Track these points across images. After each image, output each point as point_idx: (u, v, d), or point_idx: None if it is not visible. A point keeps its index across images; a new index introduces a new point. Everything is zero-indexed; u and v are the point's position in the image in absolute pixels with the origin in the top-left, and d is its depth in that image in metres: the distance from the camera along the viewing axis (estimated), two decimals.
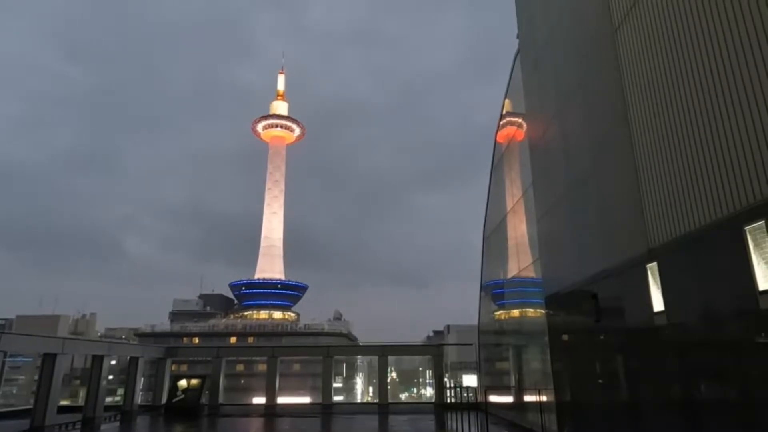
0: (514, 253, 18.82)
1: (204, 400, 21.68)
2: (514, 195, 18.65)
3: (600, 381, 10.62)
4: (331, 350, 23.71)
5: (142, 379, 23.30)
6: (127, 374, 20.77)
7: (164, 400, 21.51)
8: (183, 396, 20.59)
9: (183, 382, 20.94)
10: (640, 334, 8.84)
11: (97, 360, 18.03)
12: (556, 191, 12.96)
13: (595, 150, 10.68)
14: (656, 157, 8.09)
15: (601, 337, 10.36)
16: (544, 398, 14.56)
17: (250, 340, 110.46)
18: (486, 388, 22.58)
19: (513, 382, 19.55)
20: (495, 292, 22.12)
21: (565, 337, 12.59)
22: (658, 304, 8.04)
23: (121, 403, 20.70)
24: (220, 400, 22.59)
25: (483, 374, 24.34)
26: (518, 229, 18.07)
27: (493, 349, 22.97)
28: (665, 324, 7.82)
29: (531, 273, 16.93)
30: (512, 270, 18.94)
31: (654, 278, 8.17)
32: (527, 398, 16.83)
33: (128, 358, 20.86)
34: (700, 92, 7.01)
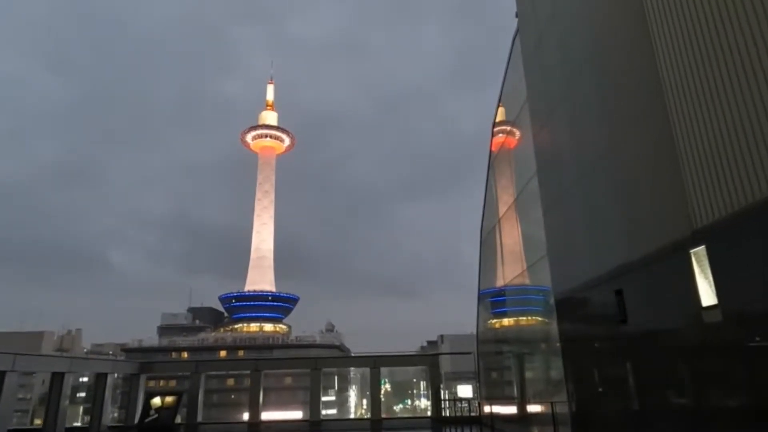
0: (509, 260, 17.67)
1: (180, 418, 19.92)
2: (506, 202, 17.75)
3: (627, 391, 9.09)
4: (319, 362, 22.04)
5: (121, 396, 21.54)
6: (93, 392, 18.98)
7: (137, 419, 19.70)
8: (156, 415, 18.82)
9: (157, 400, 19.17)
10: (683, 334, 7.35)
11: (57, 377, 16.28)
12: (565, 179, 11.52)
13: (615, 125, 9.25)
14: (702, 118, 6.65)
15: (629, 340, 8.85)
16: (550, 410, 13.10)
17: (241, 353, 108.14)
18: (486, 399, 21.01)
19: (516, 393, 18.03)
20: (493, 299, 20.68)
21: (581, 342, 11.07)
22: (707, 297, 6.57)
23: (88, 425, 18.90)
24: (199, 418, 20.81)
25: (482, 385, 22.76)
26: (512, 235, 17.18)
27: (493, 358, 21.42)
28: (719, 321, 6.34)
29: (526, 279, 15.70)
30: (508, 276, 17.66)
31: (701, 266, 6.70)
32: (533, 410, 15.30)
33: (95, 374, 19.10)
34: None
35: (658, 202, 7.77)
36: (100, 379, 18.94)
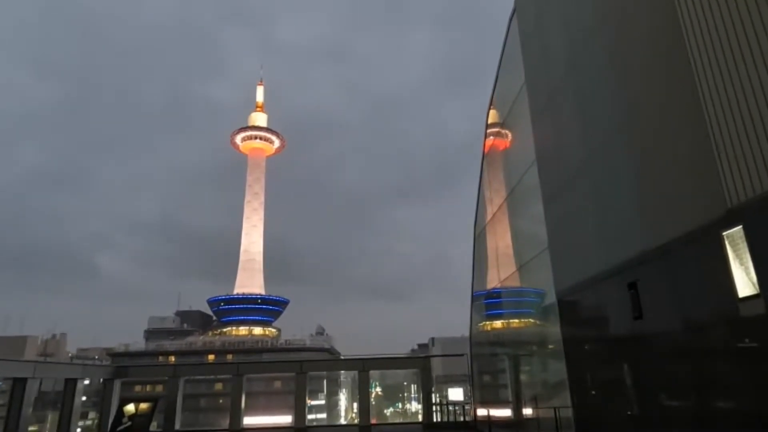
0: (503, 260, 16.85)
1: (157, 425, 18.72)
2: (498, 202, 17.03)
3: (640, 396, 8.13)
4: (304, 365, 20.88)
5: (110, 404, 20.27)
6: (62, 399, 17.73)
7: (109, 428, 18.47)
8: (130, 423, 17.59)
9: (130, 407, 17.94)
10: (712, 330, 6.40)
11: (19, 383, 15.06)
12: (570, 165, 10.56)
13: (632, 96, 8.30)
14: (733, 76, 5.71)
15: (644, 339, 7.88)
16: (551, 414, 12.16)
17: (229, 357, 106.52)
18: (481, 403, 20.04)
19: (513, 397, 17.07)
20: (488, 301, 19.75)
21: (587, 342, 10.11)
22: (745, 286, 5.62)
23: None
24: (177, 425, 19.62)
25: (476, 388, 21.78)
26: (505, 235, 16.46)
27: (488, 360, 20.44)
28: (760, 314, 5.39)
29: (520, 279, 14.87)
30: (503, 276, 16.79)
31: (736, 250, 5.74)
32: (533, 414, 14.33)
33: (64, 380, 17.84)
34: None
35: (684, 178, 6.81)
36: (69, 385, 17.70)
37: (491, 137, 18.11)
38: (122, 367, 21.00)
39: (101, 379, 20.81)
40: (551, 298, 11.79)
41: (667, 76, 7.09)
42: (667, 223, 7.06)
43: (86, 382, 20.21)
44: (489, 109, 17.96)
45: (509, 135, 15.99)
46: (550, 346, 13.14)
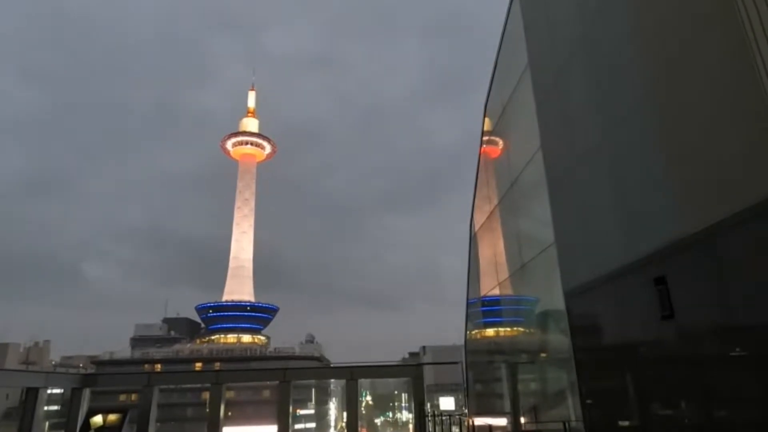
0: (499, 265, 15.93)
1: None
2: (491, 206, 16.27)
3: (673, 408, 6.97)
4: (288, 374, 19.58)
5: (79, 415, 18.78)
6: (23, 410, 16.31)
7: None
8: None
9: (98, 419, 16.57)
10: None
11: None
12: (582, 144, 9.45)
13: (660, 60, 7.21)
14: None
15: (676, 341, 6.74)
16: (554, 428, 11.04)
17: (217, 365, 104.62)
18: (477, 414, 18.84)
19: (510, 408, 15.90)
20: (485, 309, 18.63)
21: (602, 345, 8.94)
22: None
23: None
24: None
25: (471, 398, 20.59)
26: (499, 240, 15.77)
27: (485, 368, 19.25)
28: None
29: (515, 284, 14.03)
30: (498, 281, 15.78)
31: None
32: (536, 428, 13.17)
33: (24, 390, 16.46)
34: None
35: (731, 150, 5.68)
36: (30, 394, 16.29)
37: (487, 136, 17.04)
38: (91, 375, 19.66)
39: (71, 388, 19.40)
40: (555, 300, 10.66)
41: (711, 27, 5.98)
42: (709, 204, 5.93)
43: (58, 390, 18.80)
44: (486, 101, 16.91)
45: (508, 127, 14.91)
46: (555, 353, 12.02)
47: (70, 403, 18.92)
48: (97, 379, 20.04)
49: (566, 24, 10.30)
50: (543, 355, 12.89)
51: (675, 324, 6.56)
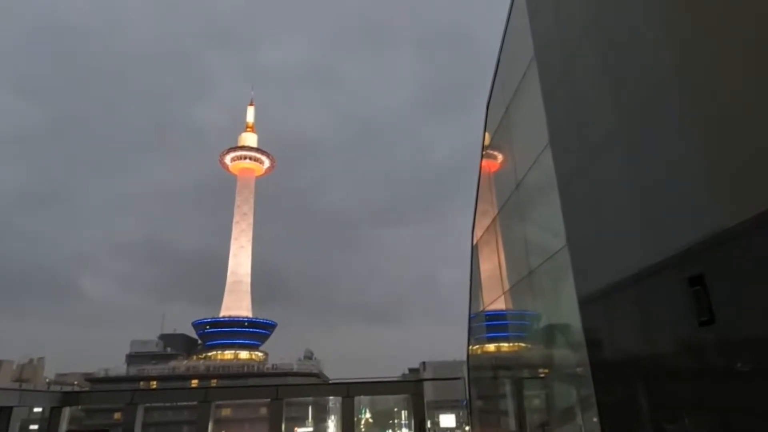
0: (504, 275, 15.19)
1: None
2: (492, 214, 15.69)
3: (713, 427, 6.01)
4: (281, 391, 18.49)
5: None
6: None
7: None
8: None
9: None
10: None
11: None
12: (596, 135, 8.60)
13: (682, 38, 6.38)
14: None
15: (717, 350, 5.80)
16: None
17: (214, 382, 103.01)
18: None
19: (514, 425, 14.92)
20: (489, 323, 17.70)
21: (625, 357, 7.97)
22: None
23: None
24: None
25: (474, 415, 19.53)
26: (500, 253, 15.28)
27: (489, 384, 18.21)
28: None
29: (521, 295, 13.28)
30: (503, 290, 14.94)
31: None
32: None
33: None
34: None
35: None
36: (2, 414, 15.21)
37: (489, 138, 16.23)
38: (72, 393, 18.55)
39: (50, 407, 18.29)
40: (568, 309, 9.75)
41: None
42: (760, 189, 5.05)
43: (37, 409, 17.70)
44: (488, 102, 16.13)
45: (512, 126, 14.09)
46: (567, 367, 11.05)
47: (48, 422, 17.83)
48: (79, 397, 18.95)
49: (576, 6, 9.51)
50: (553, 369, 11.91)
51: (715, 331, 5.65)
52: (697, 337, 5.98)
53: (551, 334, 11.85)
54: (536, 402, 13.30)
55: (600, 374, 8.47)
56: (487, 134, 16.34)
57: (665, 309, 6.60)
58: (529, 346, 13.77)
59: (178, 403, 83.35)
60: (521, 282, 12.98)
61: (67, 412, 17.91)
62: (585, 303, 8.93)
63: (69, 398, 18.17)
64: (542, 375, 12.70)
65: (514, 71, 13.31)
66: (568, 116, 9.79)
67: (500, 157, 15.43)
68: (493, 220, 15.54)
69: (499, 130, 14.84)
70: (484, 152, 16.71)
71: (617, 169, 7.93)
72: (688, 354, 6.29)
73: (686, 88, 6.30)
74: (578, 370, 9.92)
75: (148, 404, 21.90)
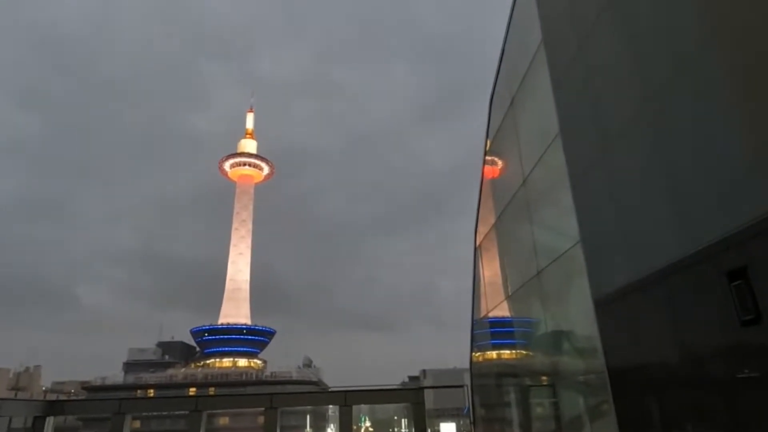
0: (508, 278, 14.85)
1: None
2: (495, 215, 15.26)
3: None
4: (275, 399, 17.69)
5: None
6: None
7: None
8: None
9: None
10: None
11: None
12: (613, 121, 7.91)
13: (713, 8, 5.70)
14: None
15: (766, 355, 5.07)
16: None
17: (212, 390, 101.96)
18: None
19: None
20: (493, 330, 16.98)
21: (651, 362, 7.22)
22: None
23: None
24: None
25: (478, 424, 18.73)
26: (505, 254, 15.11)
27: (494, 392, 17.43)
28: None
29: (527, 298, 12.84)
30: (508, 294, 14.30)
31: None
32: None
33: None
34: None
35: None
36: None
37: (493, 133, 15.55)
38: (57, 402, 17.74)
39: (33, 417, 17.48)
40: (581, 310, 9.02)
41: None
42: None
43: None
44: (492, 96, 15.46)
45: (518, 119, 13.40)
46: (580, 374, 10.30)
47: None
48: (64, 406, 18.15)
49: None
50: (565, 375, 11.15)
51: (762, 331, 4.92)
52: (740, 339, 5.25)
53: (562, 339, 11.10)
54: (545, 411, 12.53)
55: (619, 383, 7.72)
56: (489, 131, 15.65)
57: (699, 308, 5.87)
58: (538, 352, 13.01)
59: (175, 413, 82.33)
60: (528, 284, 12.24)
61: (51, 421, 17.13)
62: (601, 305, 8.20)
63: (53, 407, 17.36)
64: (551, 383, 11.94)
65: (520, 61, 12.65)
66: (581, 103, 9.10)
67: (504, 153, 14.74)
68: (496, 221, 14.84)
69: (504, 125, 14.16)
70: (486, 150, 16.02)
71: (639, 156, 7.21)
72: (728, 358, 5.54)
73: (721, 63, 5.60)
74: (592, 377, 9.18)
75: (137, 414, 21.06)
